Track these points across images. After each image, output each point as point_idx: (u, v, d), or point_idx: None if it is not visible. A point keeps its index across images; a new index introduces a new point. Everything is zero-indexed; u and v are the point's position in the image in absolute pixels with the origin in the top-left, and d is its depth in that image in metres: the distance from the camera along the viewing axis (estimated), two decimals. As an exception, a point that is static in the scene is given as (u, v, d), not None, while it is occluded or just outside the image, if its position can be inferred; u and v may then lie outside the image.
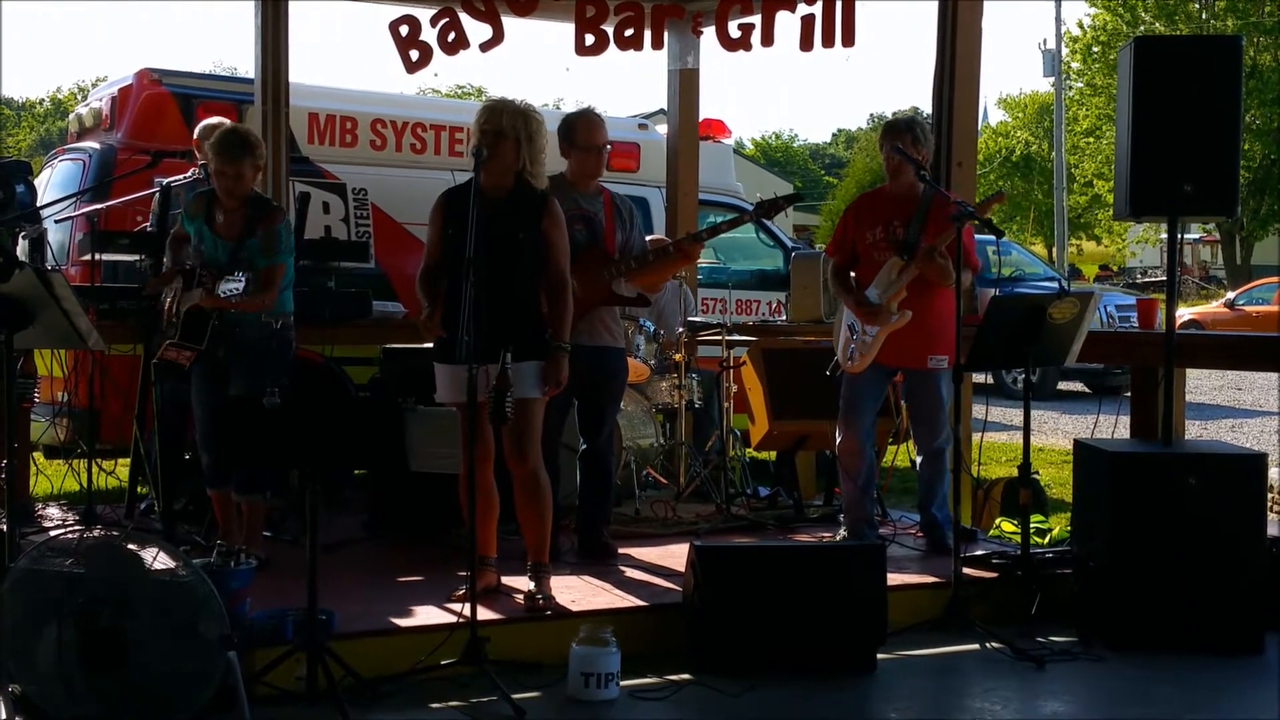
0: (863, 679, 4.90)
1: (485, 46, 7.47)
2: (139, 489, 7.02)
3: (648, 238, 6.67)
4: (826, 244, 7.26)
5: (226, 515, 5.78)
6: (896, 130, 6.23)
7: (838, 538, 6.43)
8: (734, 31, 7.85)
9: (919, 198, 6.09)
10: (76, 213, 7.41)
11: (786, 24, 7.68)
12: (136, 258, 6.94)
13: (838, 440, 6.38)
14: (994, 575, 5.72)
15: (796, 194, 7.09)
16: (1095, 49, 38.93)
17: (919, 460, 6.40)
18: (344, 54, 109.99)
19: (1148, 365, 6.38)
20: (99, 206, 7.23)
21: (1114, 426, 6.57)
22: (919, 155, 6.11)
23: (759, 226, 10.27)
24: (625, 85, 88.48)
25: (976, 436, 6.64)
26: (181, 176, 6.81)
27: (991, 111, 56.13)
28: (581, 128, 6.08)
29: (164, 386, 6.36)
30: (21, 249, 6.85)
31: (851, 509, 6.42)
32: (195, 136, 6.84)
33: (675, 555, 5.84)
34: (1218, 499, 5.30)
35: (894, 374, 6.25)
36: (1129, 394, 6.60)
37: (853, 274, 6.35)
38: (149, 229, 6.97)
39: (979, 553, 6.06)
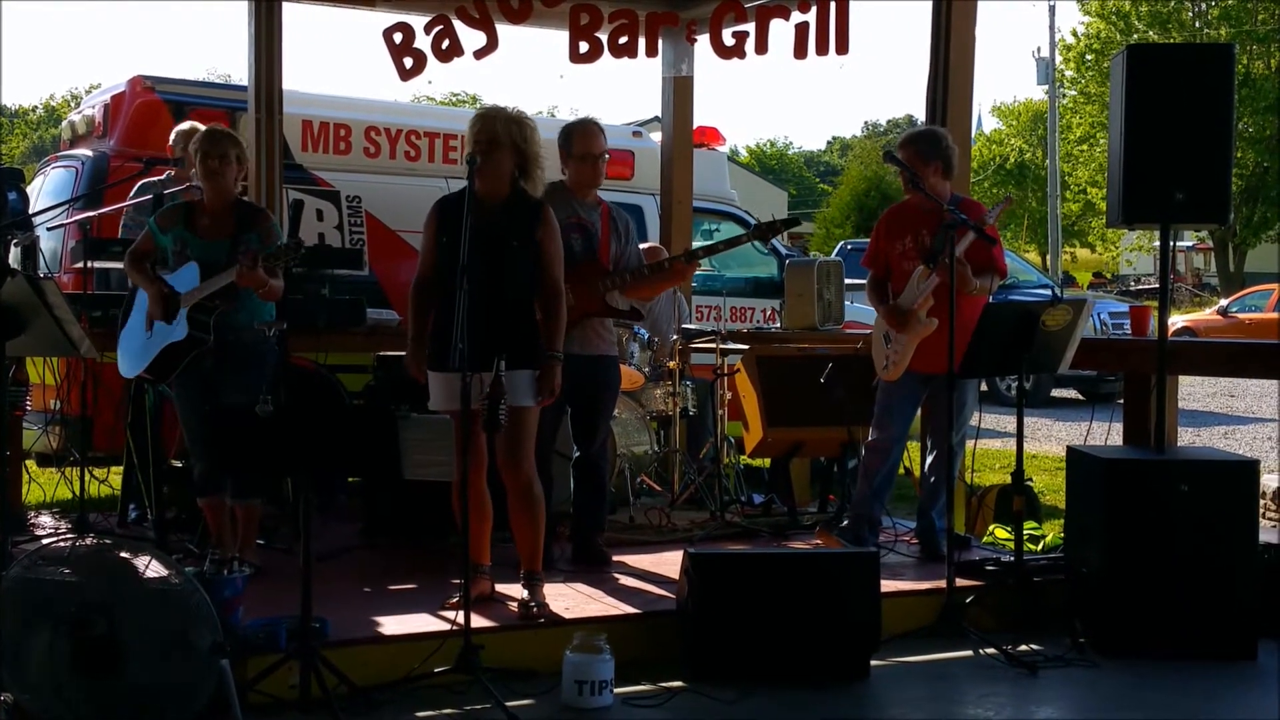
0: (857, 686, 4.90)
1: (479, 54, 7.47)
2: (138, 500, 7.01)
3: (642, 246, 6.68)
4: (817, 251, 7.26)
5: (219, 523, 5.77)
6: (902, 144, 6.25)
7: (834, 531, 6.48)
8: (728, 39, 7.86)
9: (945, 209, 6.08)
10: (69, 220, 7.41)
11: (780, 32, 7.68)
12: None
13: (868, 439, 6.43)
14: (988, 582, 5.72)
15: (795, 218, 7.10)
16: (1089, 57, 39.00)
17: (928, 461, 6.41)
18: (338, 61, 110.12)
19: (1140, 372, 6.38)
20: (91, 214, 7.23)
21: (1107, 433, 6.57)
22: (928, 167, 6.15)
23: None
24: (619, 93, 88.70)
25: (970, 443, 6.64)
26: (158, 179, 6.85)
27: (986, 119, 56.28)
28: (578, 137, 6.10)
29: (156, 394, 6.36)
30: (14, 256, 6.84)
31: (858, 506, 6.45)
32: (170, 142, 6.90)
33: (669, 563, 5.84)
34: (1210, 505, 5.31)
35: (929, 380, 6.25)
36: (1122, 401, 6.61)
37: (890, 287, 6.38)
38: (136, 229, 6.97)
39: (973, 559, 6.06)
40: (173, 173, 6.86)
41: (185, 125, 7.02)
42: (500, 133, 5.16)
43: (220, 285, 5.48)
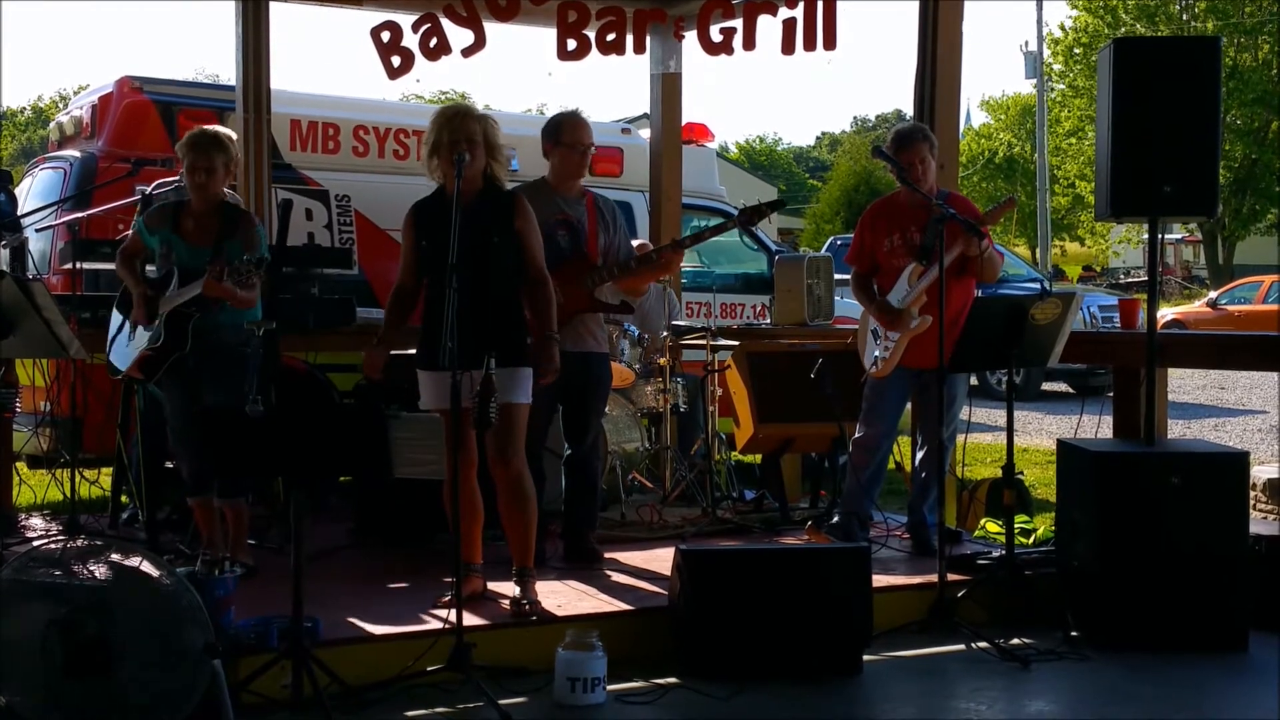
0: (849, 681, 4.91)
1: (467, 52, 7.48)
2: (122, 498, 7.00)
3: (633, 243, 6.67)
4: (813, 248, 7.25)
5: (209, 524, 5.76)
6: (896, 141, 6.24)
7: (824, 527, 6.49)
8: (716, 35, 7.88)
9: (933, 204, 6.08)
10: (57, 221, 7.39)
11: (768, 28, 7.71)
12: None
13: (856, 435, 6.44)
14: (979, 576, 5.73)
15: (780, 200, 7.11)
16: (1077, 50, 39.09)
17: (919, 456, 6.41)
18: (326, 61, 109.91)
19: (1130, 365, 6.39)
20: (80, 215, 7.21)
21: (1097, 426, 6.59)
22: (934, 162, 6.16)
23: (743, 231, 10.28)
24: (608, 90, 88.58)
25: (961, 438, 6.65)
26: (168, 181, 6.83)
27: (974, 113, 56.37)
28: (567, 126, 6.10)
29: (146, 395, 6.35)
30: (2, 258, 6.83)
31: (848, 502, 6.46)
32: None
33: (661, 559, 5.84)
34: (1201, 498, 5.32)
35: (918, 375, 6.26)
36: (1112, 394, 6.62)
37: (875, 283, 6.38)
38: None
39: (964, 554, 6.07)
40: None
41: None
42: (477, 131, 5.18)
43: (190, 295, 5.48)
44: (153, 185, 6.93)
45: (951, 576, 5.55)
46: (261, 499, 6.49)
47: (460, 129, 5.16)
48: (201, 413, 5.49)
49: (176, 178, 6.77)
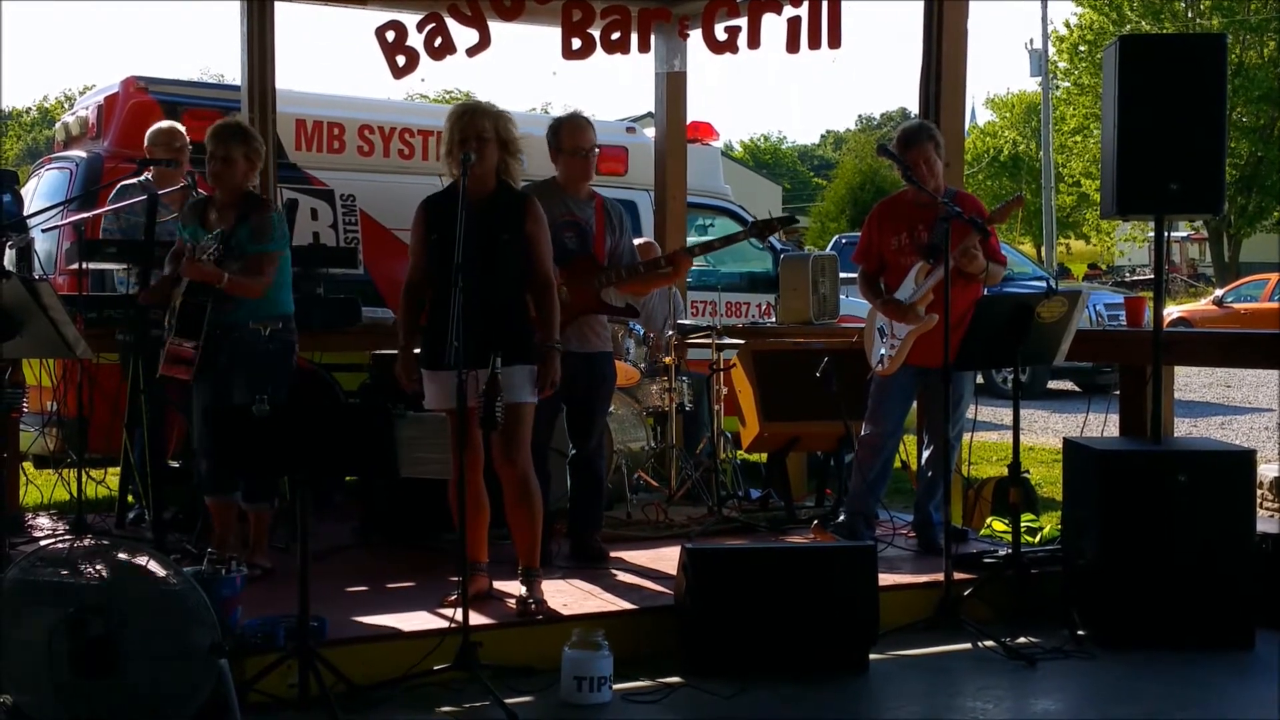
0: (855, 679, 4.91)
1: (472, 51, 7.49)
2: (128, 498, 7.01)
3: (636, 241, 6.68)
4: (815, 247, 7.24)
5: (224, 523, 5.75)
6: (901, 140, 6.23)
7: (830, 526, 6.49)
8: (720, 34, 7.88)
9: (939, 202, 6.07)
10: (64, 222, 7.40)
11: (773, 26, 7.71)
12: (123, 266, 6.93)
13: (861, 433, 6.43)
14: (985, 575, 5.72)
15: (793, 217, 7.12)
16: (1082, 48, 39.01)
17: (925, 454, 6.41)
18: (331, 60, 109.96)
19: (1136, 363, 6.39)
20: (86, 215, 7.22)
21: (1104, 425, 6.57)
22: (941, 161, 6.15)
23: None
24: (613, 89, 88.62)
25: (967, 436, 6.64)
26: (136, 180, 6.83)
27: (979, 112, 56.38)
28: (566, 132, 6.09)
29: (151, 395, 6.35)
30: (8, 258, 6.83)
31: (854, 502, 6.45)
32: (147, 143, 6.88)
33: (667, 558, 5.84)
34: (1207, 496, 5.31)
35: (924, 374, 6.25)
36: (1118, 392, 6.62)
37: (882, 281, 6.38)
38: (117, 231, 6.96)
39: (970, 552, 6.07)
40: (150, 174, 6.82)
41: (164, 124, 7.03)
42: (488, 129, 5.16)
43: (186, 279, 5.49)
44: (112, 193, 6.96)
45: (957, 575, 5.55)
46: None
47: (470, 126, 5.15)
48: (217, 411, 5.48)
49: (141, 178, 6.80)
